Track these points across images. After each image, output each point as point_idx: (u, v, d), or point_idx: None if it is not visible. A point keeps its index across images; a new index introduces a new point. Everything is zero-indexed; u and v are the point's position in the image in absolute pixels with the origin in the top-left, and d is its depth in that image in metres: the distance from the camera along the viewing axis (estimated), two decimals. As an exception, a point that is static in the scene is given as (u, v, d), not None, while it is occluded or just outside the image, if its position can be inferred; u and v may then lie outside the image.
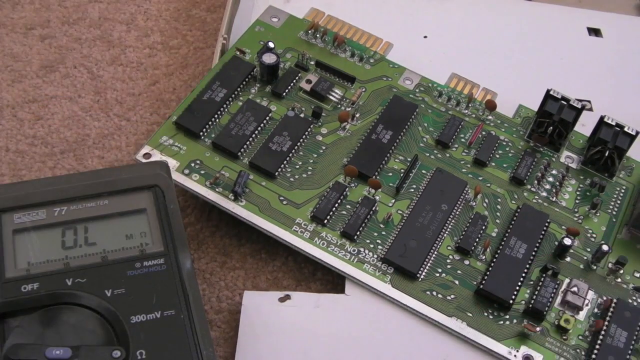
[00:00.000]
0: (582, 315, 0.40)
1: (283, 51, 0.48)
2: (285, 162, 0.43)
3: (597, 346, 0.39)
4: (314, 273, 0.42)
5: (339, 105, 0.46)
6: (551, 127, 0.45)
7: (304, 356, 0.38)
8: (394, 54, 0.49)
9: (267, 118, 0.44)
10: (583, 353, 0.39)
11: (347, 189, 0.43)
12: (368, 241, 0.41)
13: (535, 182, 0.45)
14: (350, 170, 0.43)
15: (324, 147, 0.44)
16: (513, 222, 0.42)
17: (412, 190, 0.43)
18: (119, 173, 0.38)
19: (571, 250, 0.42)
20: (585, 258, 0.42)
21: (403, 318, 0.39)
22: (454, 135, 0.46)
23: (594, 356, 0.38)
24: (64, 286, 0.34)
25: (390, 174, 0.44)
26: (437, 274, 0.40)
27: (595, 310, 0.40)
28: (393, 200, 0.43)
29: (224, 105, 0.44)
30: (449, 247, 0.41)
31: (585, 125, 0.47)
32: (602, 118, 0.45)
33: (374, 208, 0.42)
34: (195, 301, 0.35)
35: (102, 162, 0.46)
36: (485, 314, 0.40)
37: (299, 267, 0.42)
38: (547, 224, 0.43)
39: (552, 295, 0.40)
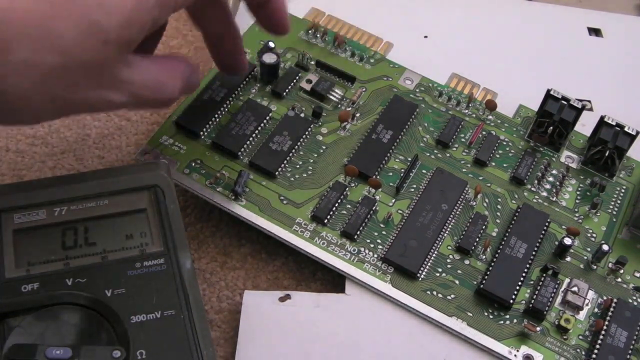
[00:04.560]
0: (582, 315, 0.40)
1: (283, 51, 0.48)
2: (285, 161, 0.43)
3: (598, 346, 0.39)
4: (314, 273, 0.42)
5: (339, 105, 0.46)
6: (551, 127, 0.45)
7: (304, 356, 0.38)
8: (394, 54, 0.49)
9: (268, 118, 0.44)
10: (583, 353, 0.39)
11: (347, 189, 0.43)
12: (368, 241, 0.41)
13: (536, 182, 0.45)
14: (351, 170, 0.43)
15: (324, 147, 0.44)
16: (513, 222, 0.42)
17: (413, 190, 0.43)
18: (119, 173, 0.38)
19: (571, 250, 0.42)
20: (586, 258, 0.42)
21: (403, 318, 0.39)
22: (454, 135, 0.46)
23: (594, 356, 0.38)
24: (64, 286, 0.34)
25: (391, 174, 0.44)
26: (438, 274, 0.40)
27: (596, 310, 0.40)
28: (393, 200, 0.43)
29: (224, 105, 0.44)
30: (449, 247, 0.41)
31: (585, 125, 0.47)
32: (602, 118, 0.45)
33: (374, 208, 0.42)
34: (196, 301, 0.35)
35: (102, 162, 0.46)
36: (486, 313, 0.40)
37: (299, 267, 0.42)
38: (547, 224, 0.43)
39: (552, 295, 0.40)
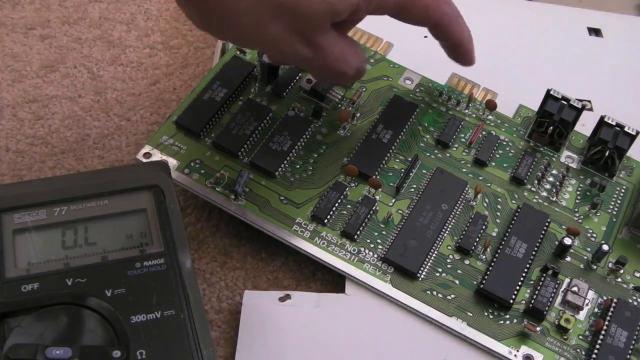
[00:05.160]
0: (582, 315, 0.40)
1: (283, 51, 0.48)
2: (285, 161, 0.43)
3: (598, 346, 0.39)
4: (314, 273, 0.42)
5: (339, 105, 0.46)
6: (551, 127, 0.45)
7: (304, 356, 0.38)
8: (394, 54, 0.49)
9: (268, 118, 0.44)
10: (583, 353, 0.39)
11: (347, 189, 0.43)
12: (368, 241, 0.41)
13: (536, 181, 0.45)
14: (351, 169, 0.43)
15: (324, 147, 0.44)
16: (513, 222, 0.42)
17: (413, 190, 0.43)
18: (119, 173, 0.38)
19: (571, 250, 0.42)
20: (586, 258, 0.42)
21: (403, 318, 0.39)
22: (454, 135, 0.46)
23: (594, 356, 0.38)
24: (64, 286, 0.34)
25: (391, 174, 0.44)
26: (437, 274, 0.40)
27: (596, 310, 0.40)
28: (393, 200, 0.43)
29: (224, 105, 0.44)
30: (449, 247, 0.41)
31: (585, 125, 0.47)
32: (602, 118, 0.45)
33: (374, 208, 0.42)
34: (195, 301, 0.35)
35: (102, 162, 0.46)
36: (486, 313, 0.40)
37: (299, 267, 0.42)
38: (547, 224, 0.43)
39: (553, 295, 0.40)
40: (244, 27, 0.36)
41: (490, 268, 0.40)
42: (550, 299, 0.40)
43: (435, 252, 0.41)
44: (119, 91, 0.49)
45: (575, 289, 0.40)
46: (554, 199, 0.44)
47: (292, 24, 0.36)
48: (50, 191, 0.37)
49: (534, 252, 0.41)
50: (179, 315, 0.34)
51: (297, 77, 0.46)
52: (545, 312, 0.39)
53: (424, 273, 0.40)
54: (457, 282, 0.40)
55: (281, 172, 0.43)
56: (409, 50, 0.50)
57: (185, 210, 0.44)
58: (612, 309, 0.40)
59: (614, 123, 0.45)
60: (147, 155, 0.42)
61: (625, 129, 0.45)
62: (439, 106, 0.47)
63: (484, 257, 0.41)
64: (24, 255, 0.35)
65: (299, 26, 0.36)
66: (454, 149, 0.45)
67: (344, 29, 0.41)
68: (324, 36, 0.37)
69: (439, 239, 0.41)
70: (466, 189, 0.44)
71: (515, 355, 0.38)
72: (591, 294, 0.41)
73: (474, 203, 0.43)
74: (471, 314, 0.39)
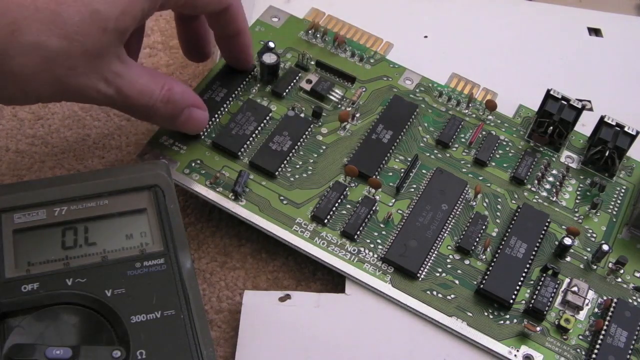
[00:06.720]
0: (582, 315, 0.40)
1: (283, 51, 0.48)
2: (285, 161, 0.43)
3: (598, 346, 0.39)
4: (314, 273, 0.42)
5: (339, 105, 0.46)
6: (551, 127, 0.45)
7: (304, 356, 0.38)
8: (394, 54, 0.49)
9: (267, 118, 0.44)
10: (583, 353, 0.39)
11: (347, 189, 0.43)
12: (368, 241, 0.41)
13: (536, 181, 0.45)
14: (351, 169, 0.43)
15: (324, 147, 0.44)
16: (513, 222, 0.42)
17: (413, 190, 0.43)
18: (119, 173, 0.38)
19: (571, 250, 0.42)
20: (586, 258, 0.42)
21: (403, 318, 0.39)
22: (454, 135, 0.46)
23: (594, 356, 0.38)
24: (64, 286, 0.34)
25: (391, 174, 0.44)
26: (437, 274, 0.40)
27: (596, 310, 0.40)
28: (393, 200, 0.43)
29: (224, 105, 0.44)
30: (449, 247, 0.41)
31: (585, 125, 0.47)
32: (602, 118, 0.45)
33: (374, 208, 0.42)
34: (195, 301, 0.35)
35: (102, 162, 0.46)
36: (486, 313, 0.40)
37: (299, 267, 0.42)
38: (547, 224, 0.43)
39: (553, 295, 0.40)
40: (42, 91, 0.33)
41: (490, 268, 0.40)
42: (550, 299, 0.40)
43: (435, 252, 0.41)
44: (119, 91, 0.49)
45: (575, 289, 0.40)
46: (554, 199, 0.44)
47: (88, 65, 0.33)
48: (50, 191, 0.37)
49: (534, 252, 0.41)
50: (179, 315, 0.34)
51: (297, 77, 0.46)
52: (545, 312, 0.39)
53: (424, 273, 0.40)
54: (457, 282, 0.40)
55: (281, 172, 0.43)
56: (409, 50, 0.50)
57: (185, 210, 0.44)
58: (612, 309, 0.40)
59: (614, 123, 0.45)
60: (147, 155, 0.42)
61: (625, 129, 0.45)
62: (439, 106, 0.47)
63: (484, 257, 0.41)
64: (24, 255, 0.35)
65: (93, 63, 0.33)
66: (454, 149, 0.45)
67: (136, 51, 0.40)
68: (121, 65, 0.35)
69: (439, 239, 0.41)
70: (466, 189, 0.44)
71: (515, 355, 0.38)
72: (591, 294, 0.41)
73: (474, 203, 0.43)
74: (471, 314, 0.39)
